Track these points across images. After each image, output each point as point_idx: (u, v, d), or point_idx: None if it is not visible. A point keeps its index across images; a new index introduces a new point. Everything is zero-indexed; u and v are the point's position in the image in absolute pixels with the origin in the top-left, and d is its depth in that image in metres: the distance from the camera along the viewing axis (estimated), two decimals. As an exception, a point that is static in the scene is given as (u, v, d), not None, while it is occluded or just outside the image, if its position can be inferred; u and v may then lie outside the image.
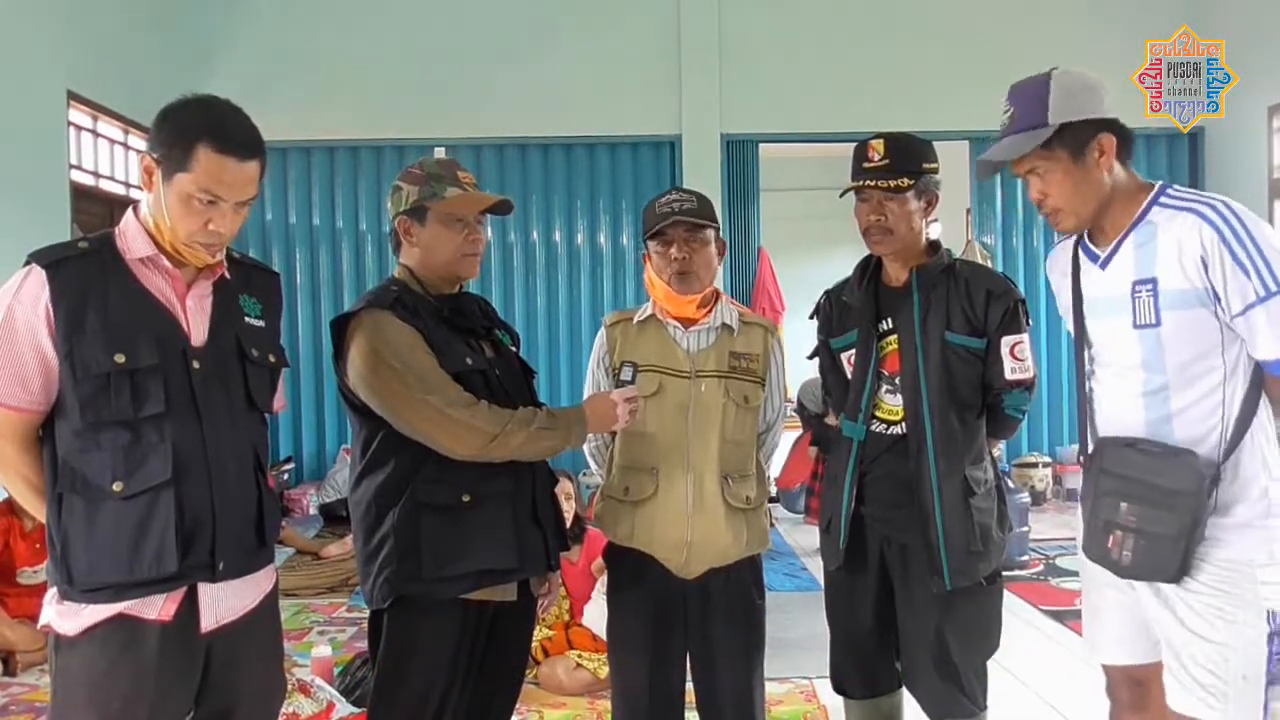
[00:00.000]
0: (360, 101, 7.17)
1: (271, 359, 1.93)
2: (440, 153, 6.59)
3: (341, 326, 2.12)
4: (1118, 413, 1.99)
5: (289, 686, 3.12)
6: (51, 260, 1.70)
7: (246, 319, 1.89)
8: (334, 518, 6.56)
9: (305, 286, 7.38)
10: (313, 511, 6.82)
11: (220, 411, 1.79)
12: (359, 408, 2.11)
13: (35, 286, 1.69)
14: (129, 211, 1.80)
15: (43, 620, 1.77)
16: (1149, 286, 1.89)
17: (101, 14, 5.86)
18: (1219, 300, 1.83)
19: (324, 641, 3.86)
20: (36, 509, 1.79)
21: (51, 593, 1.75)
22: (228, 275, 1.87)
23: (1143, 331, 1.91)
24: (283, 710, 3.02)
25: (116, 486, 1.69)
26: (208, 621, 1.79)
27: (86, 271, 1.72)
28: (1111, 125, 1.93)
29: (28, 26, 5.16)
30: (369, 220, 7.36)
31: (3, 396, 1.69)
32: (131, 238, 1.77)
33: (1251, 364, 1.87)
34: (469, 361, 2.12)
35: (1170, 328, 1.88)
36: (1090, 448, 2.06)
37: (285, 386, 2.07)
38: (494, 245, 7.26)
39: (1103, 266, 2.00)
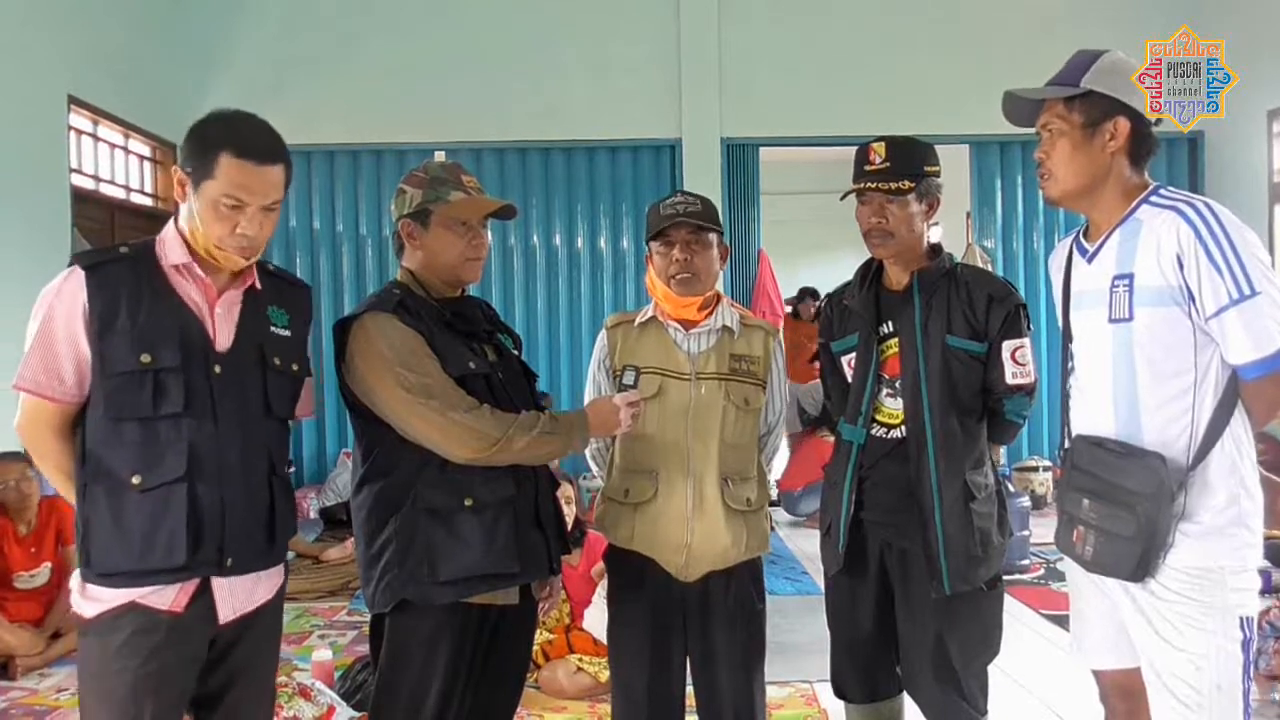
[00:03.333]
0: (360, 106, 7.18)
1: (294, 368, 2.01)
2: (440, 157, 6.59)
3: (344, 330, 2.11)
4: (1091, 411, 2.00)
5: (291, 690, 3.12)
6: (91, 263, 1.84)
7: (273, 329, 1.98)
8: (334, 521, 6.53)
9: (305, 290, 7.37)
10: (313, 515, 6.80)
11: (236, 415, 1.88)
12: (361, 411, 2.10)
13: (74, 286, 1.81)
14: (170, 221, 1.91)
15: (72, 607, 1.88)
16: (1126, 282, 1.90)
17: (102, 19, 5.86)
18: (1193, 300, 1.83)
19: (324, 645, 3.84)
20: (69, 495, 1.91)
21: (76, 577, 1.86)
22: (258, 286, 1.97)
23: (1116, 326, 1.92)
24: (283, 714, 3.03)
25: (135, 479, 1.80)
26: (225, 613, 1.89)
27: (123, 275, 1.84)
28: (1134, 116, 1.94)
29: (29, 31, 5.16)
30: (369, 224, 7.37)
31: (42, 388, 1.82)
32: (169, 245, 1.88)
33: (1226, 372, 1.86)
34: (472, 365, 2.12)
35: (1142, 324, 1.88)
36: (1066, 444, 2.08)
37: (313, 394, 2.16)
38: (494, 249, 7.26)
39: (1089, 261, 2.01)
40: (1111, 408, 1.94)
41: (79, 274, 1.82)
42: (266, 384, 1.94)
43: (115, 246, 1.91)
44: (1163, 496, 1.82)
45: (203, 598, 1.86)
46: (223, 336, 1.89)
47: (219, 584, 1.87)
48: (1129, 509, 1.85)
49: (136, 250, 1.88)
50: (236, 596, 1.90)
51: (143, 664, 1.80)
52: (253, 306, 1.95)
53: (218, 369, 1.86)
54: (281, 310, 2.01)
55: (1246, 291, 1.78)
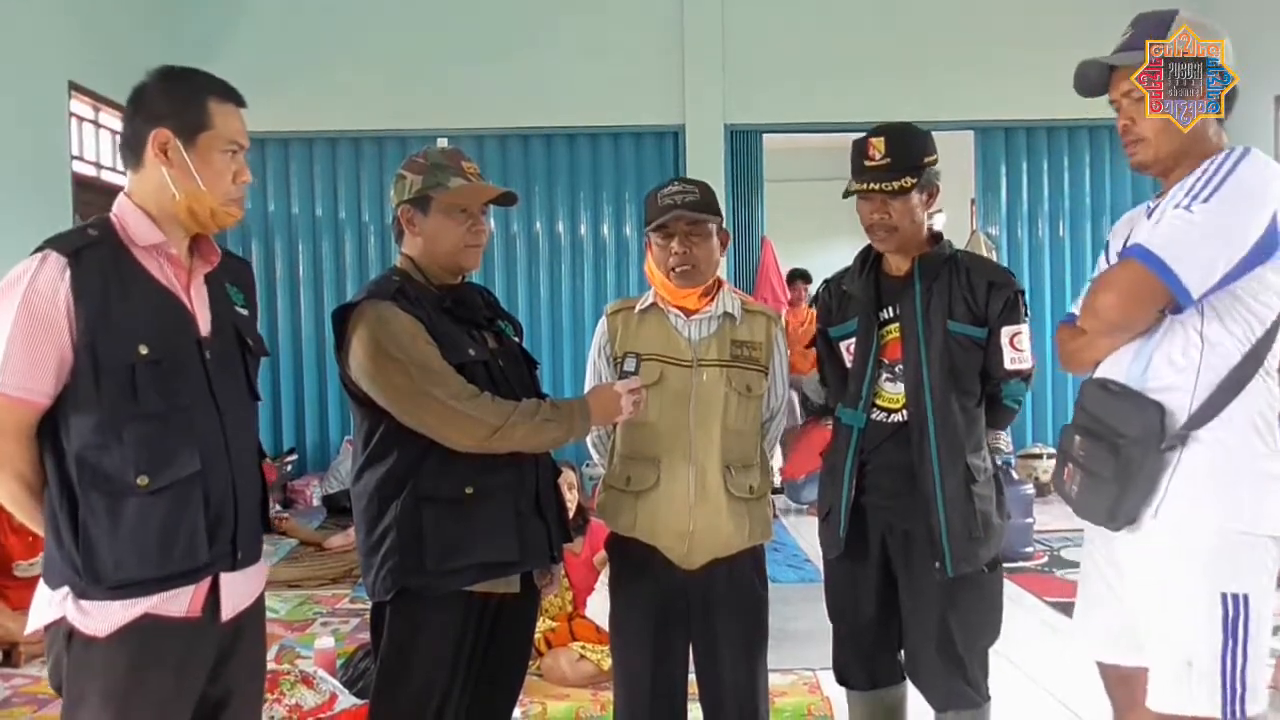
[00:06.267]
0: (362, 92, 7.15)
1: (258, 348, 1.94)
2: (442, 143, 6.58)
3: (343, 317, 2.11)
4: (1115, 355, 1.96)
5: (293, 678, 3.13)
6: (72, 248, 1.64)
7: (236, 308, 1.88)
8: (337, 509, 6.56)
9: (308, 278, 7.37)
10: (316, 503, 6.82)
11: (233, 401, 1.80)
12: (361, 399, 2.10)
13: (53, 275, 1.62)
14: (121, 198, 1.75)
15: (48, 619, 1.69)
16: None
17: (103, 5, 5.86)
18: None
19: (327, 633, 3.86)
20: (28, 509, 1.72)
21: (61, 592, 1.67)
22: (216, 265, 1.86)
23: None
24: (286, 702, 3.03)
25: (141, 481, 1.65)
26: (227, 611, 1.78)
27: (103, 260, 1.67)
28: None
29: (29, 17, 5.15)
30: (371, 211, 7.36)
31: (32, 393, 1.63)
32: (133, 224, 1.72)
33: (1237, 339, 1.81)
34: (471, 352, 2.11)
35: None
36: None
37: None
38: (497, 236, 7.25)
39: (1149, 217, 1.97)
40: (1128, 354, 1.91)
41: (57, 260, 1.62)
42: (247, 367, 1.86)
43: (83, 228, 1.72)
44: (1148, 442, 1.79)
45: (211, 598, 1.75)
46: (202, 321, 1.78)
47: (225, 580, 1.77)
48: (1112, 449, 1.84)
49: (101, 231, 1.70)
50: (238, 593, 1.80)
51: (159, 684, 1.68)
52: (215, 287, 1.84)
53: (209, 355, 1.76)
54: (237, 288, 1.90)
55: (1199, 202, 1.76)
